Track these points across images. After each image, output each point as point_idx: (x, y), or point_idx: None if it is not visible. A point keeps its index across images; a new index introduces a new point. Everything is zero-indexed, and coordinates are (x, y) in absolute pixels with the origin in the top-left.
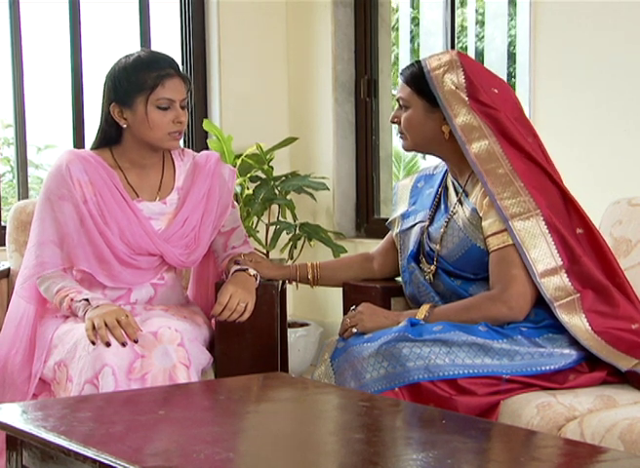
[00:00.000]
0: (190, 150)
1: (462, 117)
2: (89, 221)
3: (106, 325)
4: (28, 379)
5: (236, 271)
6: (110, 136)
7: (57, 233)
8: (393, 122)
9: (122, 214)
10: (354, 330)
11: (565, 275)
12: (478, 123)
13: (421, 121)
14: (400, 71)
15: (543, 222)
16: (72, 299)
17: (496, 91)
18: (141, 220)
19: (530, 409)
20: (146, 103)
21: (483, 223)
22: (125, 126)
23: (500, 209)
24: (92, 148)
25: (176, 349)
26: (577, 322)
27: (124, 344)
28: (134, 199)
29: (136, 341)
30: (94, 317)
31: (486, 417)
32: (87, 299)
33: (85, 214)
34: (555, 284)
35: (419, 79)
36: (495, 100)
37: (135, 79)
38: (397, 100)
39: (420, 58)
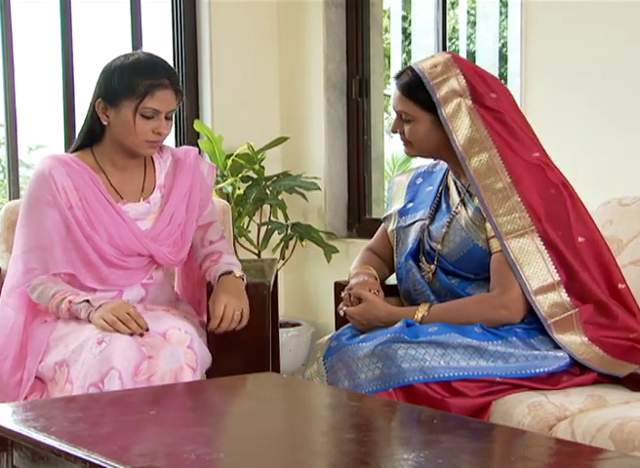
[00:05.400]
0: (168, 146)
1: (464, 130)
2: (75, 227)
3: (119, 319)
4: (19, 384)
5: (222, 275)
6: (94, 133)
7: (44, 239)
8: (395, 132)
9: (109, 218)
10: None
11: (564, 290)
12: (480, 135)
13: (428, 133)
14: (395, 80)
15: (539, 239)
16: (71, 301)
17: (494, 95)
18: (128, 223)
19: (521, 409)
20: (132, 109)
21: (487, 224)
22: (106, 124)
23: (495, 226)
24: (74, 150)
25: (184, 351)
26: (571, 337)
27: (142, 335)
28: (118, 201)
29: (147, 330)
30: (103, 315)
31: (478, 417)
32: (87, 300)
33: (71, 220)
34: (552, 300)
35: (418, 90)
36: (499, 104)
37: (127, 81)
38: (398, 112)
39: (412, 64)
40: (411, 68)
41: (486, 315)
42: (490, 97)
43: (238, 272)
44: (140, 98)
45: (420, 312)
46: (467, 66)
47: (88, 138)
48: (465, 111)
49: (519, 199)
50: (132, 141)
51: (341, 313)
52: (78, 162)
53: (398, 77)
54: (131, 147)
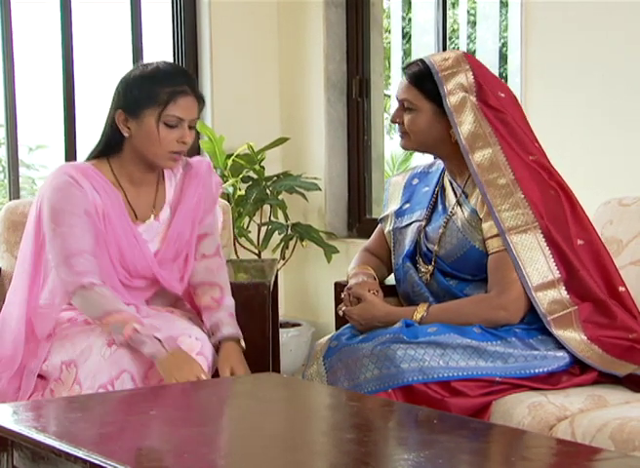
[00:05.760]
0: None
1: (468, 125)
2: (101, 239)
3: None
4: (18, 390)
5: (225, 340)
6: (112, 145)
7: (85, 245)
8: (395, 122)
9: (125, 239)
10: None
11: (563, 288)
12: (484, 131)
13: (429, 124)
14: (404, 69)
15: (542, 235)
16: (136, 330)
17: (502, 95)
18: (142, 246)
19: (521, 409)
20: (155, 118)
21: (483, 225)
22: (127, 135)
23: (497, 221)
24: (89, 158)
25: (194, 358)
26: (572, 334)
27: None
28: (134, 221)
29: None
30: (175, 376)
31: (478, 417)
32: (159, 339)
33: (100, 230)
34: (552, 297)
35: (426, 80)
36: (503, 104)
37: (148, 90)
38: (401, 101)
39: (423, 57)
40: (421, 60)
41: (485, 316)
42: (494, 96)
43: (242, 340)
44: (163, 106)
45: (419, 313)
46: (478, 65)
47: (106, 149)
48: (470, 107)
49: (522, 195)
50: (154, 152)
51: (341, 313)
52: (98, 173)
53: (407, 67)
54: (153, 159)
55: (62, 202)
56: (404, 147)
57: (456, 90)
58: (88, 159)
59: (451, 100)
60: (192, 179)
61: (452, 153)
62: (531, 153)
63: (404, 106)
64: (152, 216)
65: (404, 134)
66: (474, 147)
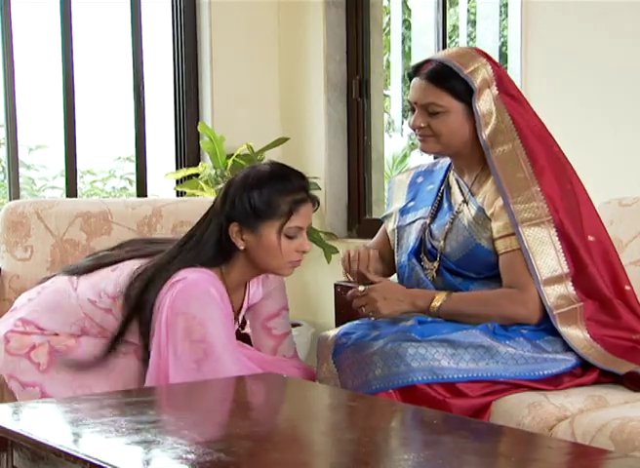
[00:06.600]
0: None
1: (491, 124)
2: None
3: None
4: None
5: None
6: (224, 256)
7: (241, 367)
8: (418, 128)
9: None
10: (372, 318)
11: (570, 283)
12: (505, 125)
13: (462, 125)
14: (413, 73)
15: (554, 229)
16: None
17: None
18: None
19: (521, 409)
20: (275, 230)
21: (493, 224)
22: (243, 248)
23: (511, 213)
24: (202, 264)
25: None
26: (575, 331)
27: None
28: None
29: None
30: None
31: (477, 418)
32: None
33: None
34: (559, 292)
35: (452, 79)
36: (520, 94)
37: (267, 202)
38: (422, 106)
39: (431, 57)
40: (434, 60)
41: (505, 310)
42: (513, 86)
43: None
44: (285, 218)
45: (438, 300)
46: (489, 57)
47: (216, 258)
48: (491, 101)
49: (539, 189)
50: (276, 265)
51: (360, 288)
52: (224, 290)
53: (418, 69)
54: (274, 270)
55: (214, 321)
56: (426, 150)
57: (482, 86)
58: (200, 262)
59: (479, 100)
60: (269, 287)
61: (470, 151)
62: (550, 146)
63: (427, 110)
64: (237, 324)
65: (427, 136)
66: (495, 142)
